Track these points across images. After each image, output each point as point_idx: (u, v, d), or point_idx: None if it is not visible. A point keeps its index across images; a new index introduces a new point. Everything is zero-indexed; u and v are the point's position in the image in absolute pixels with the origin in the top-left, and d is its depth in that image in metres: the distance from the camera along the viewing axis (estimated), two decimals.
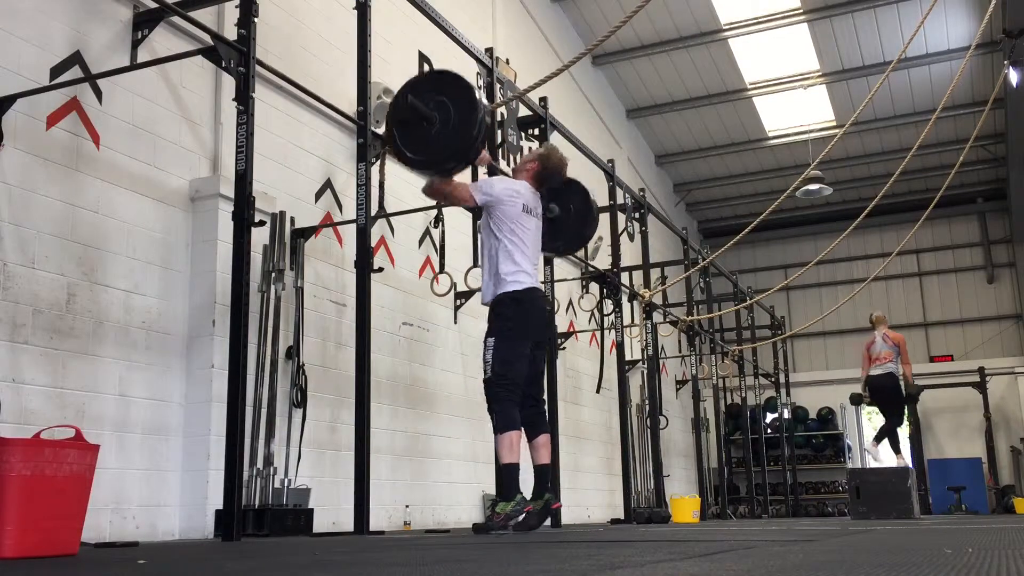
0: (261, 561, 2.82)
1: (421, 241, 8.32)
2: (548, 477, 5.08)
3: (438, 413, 8.26)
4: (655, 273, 11.17)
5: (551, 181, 5.30)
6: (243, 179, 4.78)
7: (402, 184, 7.90)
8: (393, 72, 8.09)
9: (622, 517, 9.13)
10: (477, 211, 6.99)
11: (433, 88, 4.86)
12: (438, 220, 7.38)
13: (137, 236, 5.51)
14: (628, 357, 9.88)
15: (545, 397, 5.46)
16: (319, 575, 2.22)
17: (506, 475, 4.81)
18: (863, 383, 10.27)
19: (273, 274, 6.08)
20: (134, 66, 5.44)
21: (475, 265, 7.70)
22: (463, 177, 5.32)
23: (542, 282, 7.01)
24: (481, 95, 4.71)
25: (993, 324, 17.89)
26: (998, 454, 16.42)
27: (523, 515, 4.78)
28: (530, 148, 10.52)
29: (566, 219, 6.02)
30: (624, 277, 10.13)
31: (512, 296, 4.94)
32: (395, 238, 7.91)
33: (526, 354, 4.99)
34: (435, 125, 4.74)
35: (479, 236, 5.21)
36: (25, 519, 3.08)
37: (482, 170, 6.37)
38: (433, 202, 7.39)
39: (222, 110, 6.15)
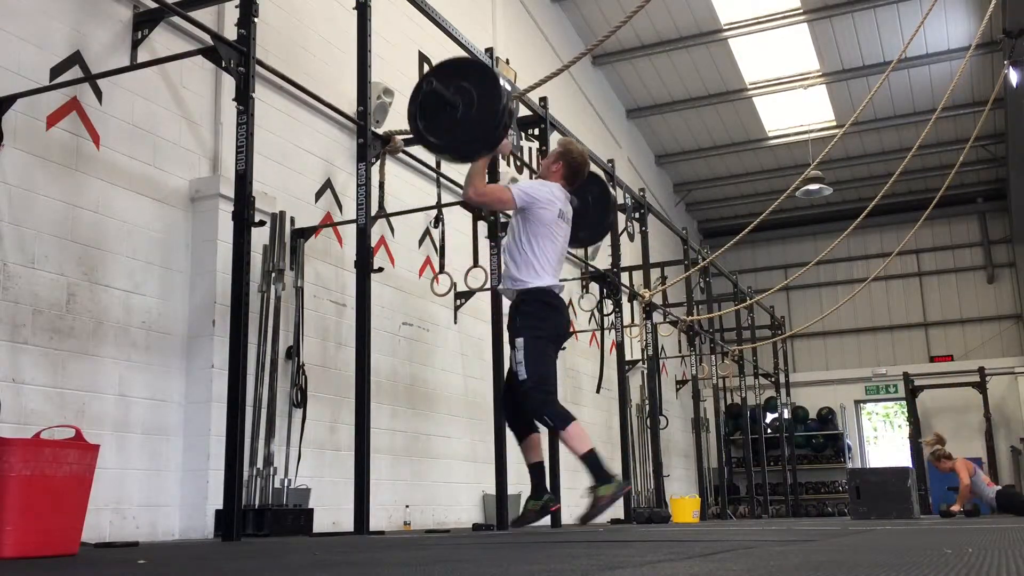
0: (261, 561, 2.82)
1: (421, 241, 8.32)
2: (544, 475, 5.04)
3: (438, 413, 8.25)
4: (655, 273, 11.17)
5: (580, 177, 5.21)
6: (243, 179, 4.78)
7: (402, 184, 7.91)
8: (393, 72, 8.10)
9: (622, 517, 9.13)
10: (477, 212, 7.01)
11: (456, 74, 4.83)
12: (438, 220, 7.38)
13: (137, 236, 5.51)
14: (628, 357, 9.88)
15: None
16: (319, 575, 2.22)
17: (591, 463, 4.67)
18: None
19: (273, 274, 6.08)
20: (134, 66, 5.44)
21: (475, 265, 7.71)
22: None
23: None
24: (504, 83, 4.67)
25: (993, 324, 17.89)
26: (998, 454, 16.41)
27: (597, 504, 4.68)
28: (530, 148, 10.55)
29: (586, 210, 6.03)
30: (624, 277, 10.13)
31: (538, 294, 4.87)
32: (395, 238, 7.90)
33: (552, 350, 4.92)
34: (459, 110, 4.71)
35: (507, 234, 5.15)
36: (25, 519, 3.08)
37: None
38: (433, 202, 7.41)
39: (222, 110, 6.15)
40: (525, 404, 4.86)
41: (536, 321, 4.87)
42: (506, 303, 5.06)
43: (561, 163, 5.15)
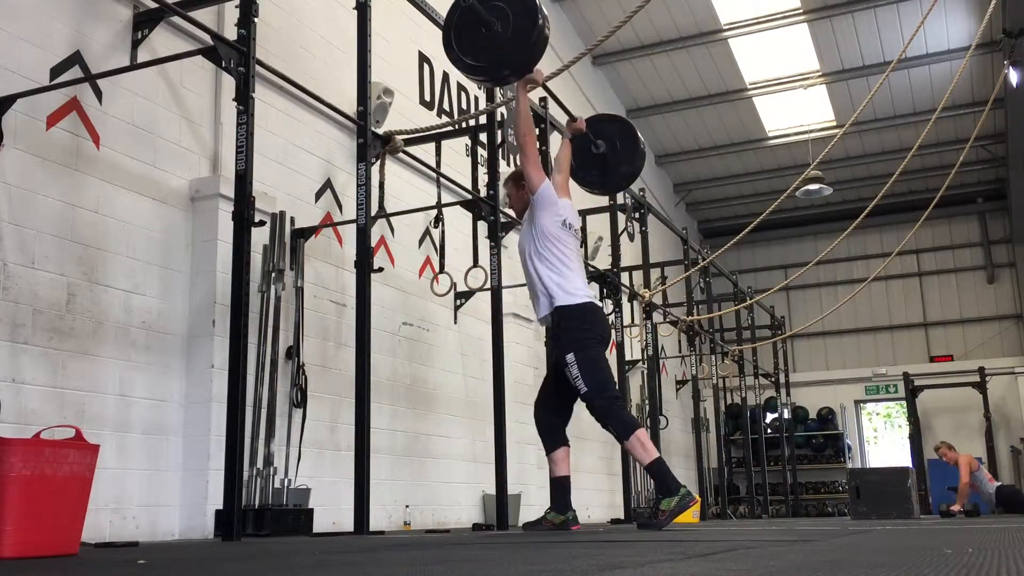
0: (261, 561, 2.82)
1: (421, 241, 8.32)
2: (569, 490, 5.01)
3: (438, 413, 8.25)
4: (655, 273, 11.17)
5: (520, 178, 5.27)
6: (243, 179, 4.78)
7: (402, 184, 7.91)
8: (393, 72, 8.10)
9: (622, 517, 9.13)
10: (477, 212, 7.00)
11: None
12: (438, 220, 7.38)
13: (137, 236, 5.51)
14: (628, 357, 9.88)
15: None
16: (319, 575, 2.22)
17: (657, 472, 4.67)
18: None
19: (273, 274, 6.08)
20: (134, 66, 5.44)
21: (475, 265, 7.71)
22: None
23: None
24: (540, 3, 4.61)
25: (993, 324, 17.89)
26: (998, 454, 16.42)
27: (686, 506, 4.63)
28: None
29: (615, 150, 6.07)
30: (624, 277, 10.13)
31: (579, 311, 4.86)
32: (395, 238, 7.90)
33: (605, 360, 4.91)
34: (495, 29, 4.63)
35: (525, 256, 5.13)
36: (25, 519, 3.08)
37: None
38: (433, 202, 7.41)
39: (222, 110, 6.15)
40: (593, 415, 4.81)
41: (579, 333, 4.84)
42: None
43: (511, 183, 5.26)
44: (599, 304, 5.06)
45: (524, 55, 4.66)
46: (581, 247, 5.42)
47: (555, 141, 8.04)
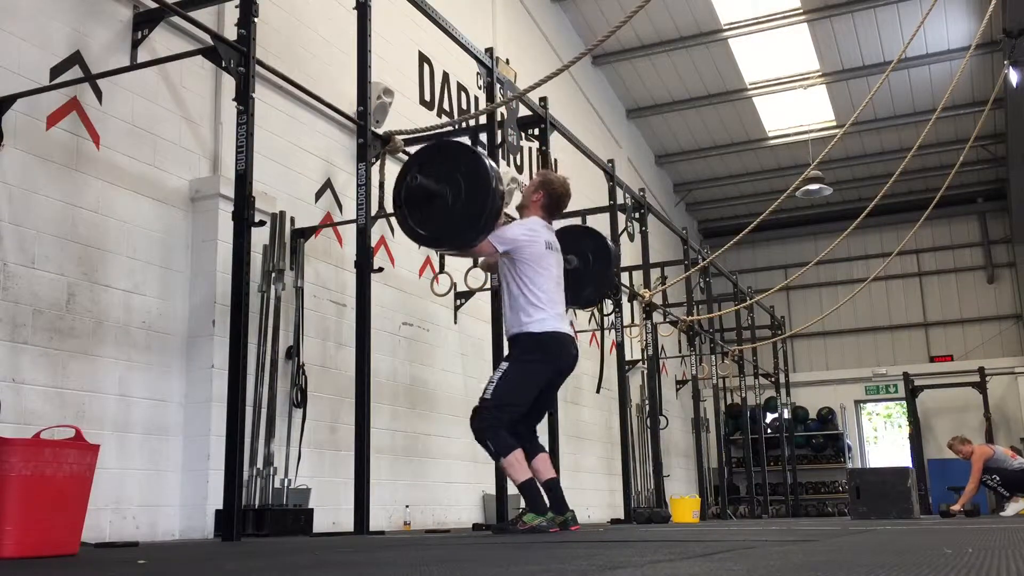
0: (261, 561, 2.82)
1: None
2: (561, 490, 5.01)
3: (438, 413, 8.25)
4: (655, 273, 11.16)
5: (561, 206, 5.14)
6: (243, 179, 4.78)
7: None
8: (393, 72, 8.10)
9: (622, 517, 9.13)
10: None
11: (440, 160, 4.69)
12: None
13: (137, 236, 5.51)
14: (628, 357, 9.88)
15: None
16: (319, 575, 2.22)
17: (528, 492, 4.70)
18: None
19: (273, 274, 6.08)
20: (134, 66, 5.44)
21: (475, 265, 7.71)
22: None
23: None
24: (489, 161, 4.51)
25: (993, 324, 17.89)
26: None
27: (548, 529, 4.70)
28: (530, 148, 10.55)
29: (587, 266, 5.93)
30: (624, 277, 10.13)
31: (536, 337, 4.80)
32: (395, 238, 7.90)
33: (533, 391, 4.86)
34: (447, 199, 4.56)
35: (499, 273, 5.12)
36: (25, 519, 3.08)
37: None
38: None
39: (222, 110, 6.15)
40: (472, 420, 4.80)
41: (527, 356, 4.81)
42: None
43: (542, 192, 5.05)
44: (561, 335, 4.87)
45: (484, 219, 4.59)
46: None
47: (555, 141, 8.06)
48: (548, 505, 4.79)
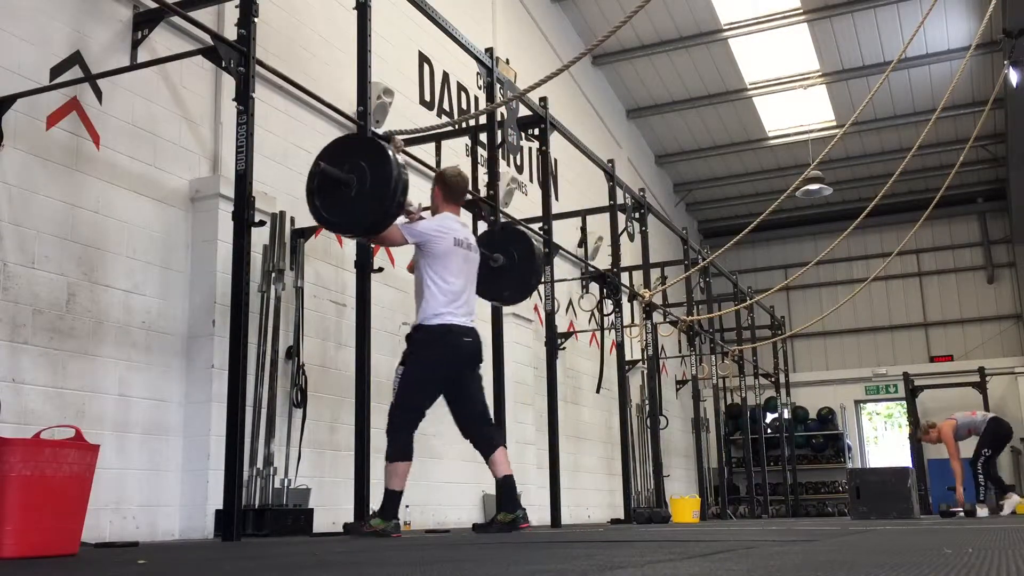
0: (261, 561, 2.82)
1: None
2: (515, 489, 5.08)
3: (438, 413, 8.23)
4: (655, 273, 11.17)
5: (460, 191, 5.32)
6: (243, 179, 4.78)
7: None
8: (393, 72, 8.10)
9: (622, 517, 9.13)
10: (476, 212, 7.00)
11: (347, 152, 4.86)
12: None
13: (137, 236, 5.51)
14: (628, 357, 9.88)
15: (492, 415, 5.58)
16: (319, 575, 2.22)
17: (388, 499, 4.90)
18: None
19: (273, 274, 6.08)
20: (134, 66, 5.44)
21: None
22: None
23: (543, 282, 7.01)
24: (396, 156, 4.69)
25: (993, 324, 17.89)
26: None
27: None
28: (530, 148, 10.55)
29: (511, 267, 6.05)
30: (624, 277, 10.13)
31: (427, 331, 4.99)
32: None
33: (433, 386, 5.13)
34: (353, 188, 4.74)
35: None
36: (25, 519, 3.08)
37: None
38: None
39: (222, 110, 6.15)
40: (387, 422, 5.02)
41: (416, 355, 5.03)
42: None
43: (438, 187, 5.26)
44: (461, 333, 5.05)
45: (388, 208, 4.74)
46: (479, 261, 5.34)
47: (555, 141, 8.06)
48: (394, 513, 4.91)
